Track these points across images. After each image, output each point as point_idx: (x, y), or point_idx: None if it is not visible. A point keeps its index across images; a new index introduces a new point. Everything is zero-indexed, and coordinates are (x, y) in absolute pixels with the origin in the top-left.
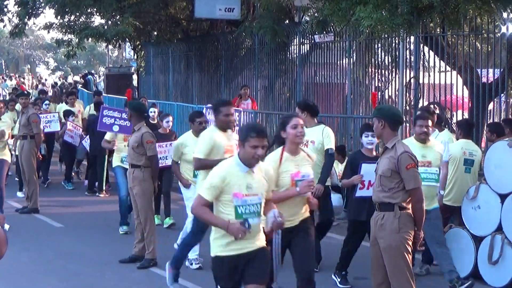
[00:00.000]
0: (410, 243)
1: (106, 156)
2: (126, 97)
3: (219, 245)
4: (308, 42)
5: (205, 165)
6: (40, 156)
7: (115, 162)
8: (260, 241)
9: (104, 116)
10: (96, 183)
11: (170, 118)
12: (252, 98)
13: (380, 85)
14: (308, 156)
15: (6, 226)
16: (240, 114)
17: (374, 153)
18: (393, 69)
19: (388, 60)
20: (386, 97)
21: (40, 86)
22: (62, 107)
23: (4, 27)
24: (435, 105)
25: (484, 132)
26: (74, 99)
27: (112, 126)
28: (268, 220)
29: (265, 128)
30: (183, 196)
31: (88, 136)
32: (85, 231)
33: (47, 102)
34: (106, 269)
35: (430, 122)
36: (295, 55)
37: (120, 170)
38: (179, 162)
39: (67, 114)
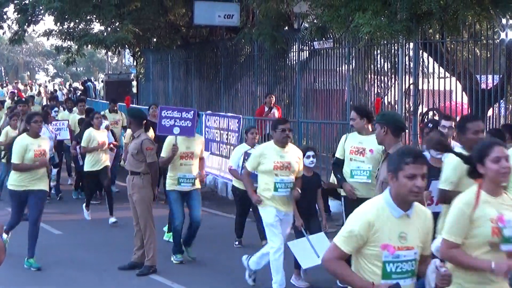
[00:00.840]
0: None
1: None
2: (125, 104)
3: None
4: (307, 48)
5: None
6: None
7: (169, 185)
8: None
9: (162, 117)
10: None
11: None
12: (278, 107)
13: (379, 91)
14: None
15: (5, 236)
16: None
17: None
18: (393, 76)
19: (387, 66)
20: (386, 103)
21: (42, 92)
22: (76, 116)
23: (3, 34)
24: (435, 111)
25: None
26: (83, 106)
27: (173, 128)
28: (429, 277)
29: None
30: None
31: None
32: (84, 238)
33: (56, 108)
34: (105, 276)
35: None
36: (294, 62)
37: (173, 194)
38: (255, 172)
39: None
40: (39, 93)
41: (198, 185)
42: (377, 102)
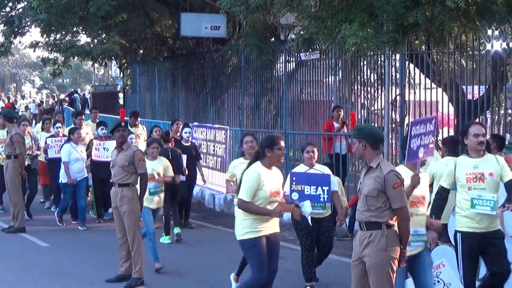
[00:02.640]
0: (396, 262)
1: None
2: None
3: None
4: (294, 60)
5: None
6: (26, 175)
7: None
8: None
9: (413, 137)
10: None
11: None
12: (344, 121)
13: (365, 102)
14: None
15: None
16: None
17: None
18: (379, 87)
19: (374, 77)
20: (369, 113)
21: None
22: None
23: None
24: None
25: None
26: (82, 120)
27: (418, 150)
28: None
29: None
30: None
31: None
32: (72, 251)
33: (58, 125)
34: None
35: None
36: (281, 73)
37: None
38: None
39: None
40: (26, 107)
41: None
42: (352, 116)
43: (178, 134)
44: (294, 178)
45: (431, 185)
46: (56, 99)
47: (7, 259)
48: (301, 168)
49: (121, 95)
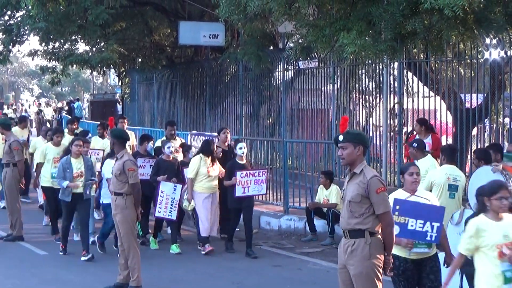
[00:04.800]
0: (381, 269)
1: None
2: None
3: None
4: (292, 68)
5: None
6: (23, 186)
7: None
8: None
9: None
10: None
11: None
12: (434, 135)
13: (364, 110)
14: None
15: None
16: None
17: None
18: (377, 95)
19: (372, 86)
20: (370, 122)
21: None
22: (98, 140)
23: None
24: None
25: (470, 157)
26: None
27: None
28: None
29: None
30: None
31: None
32: (69, 259)
33: (90, 135)
34: None
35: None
36: (279, 81)
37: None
38: None
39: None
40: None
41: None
42: (345, 121)
43: (226, 144)
44: (397, 207)
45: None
46: (55, 107)
47: (5, 267)
48: (400, 194)
49: (119, 103)
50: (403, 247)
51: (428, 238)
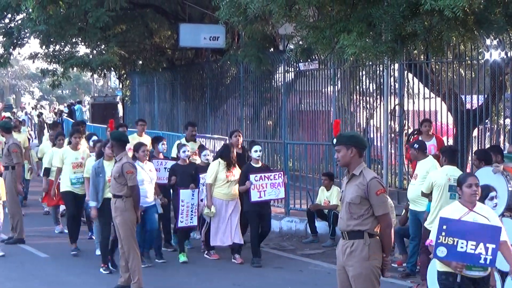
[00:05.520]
0: (379, 270)
1: None
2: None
3: None
4: (293, 70)
5: None
6: (21, 188)
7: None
8: None
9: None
10: None
11: (208, 152)
12: (438, 136)
13: (365, 112)
14: None
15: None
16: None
17: None
18: (378, 96)
19: (372, 87)
20: (371, 124)
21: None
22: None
23: None
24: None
25: (470, 158)
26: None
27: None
28: None
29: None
30: None
31: None
32: (71, 261)
33: (95, 138)
34: None
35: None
36: (280, 83)
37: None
38: None
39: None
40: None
41: None
42: (337, 124)
43: (240, 146)
44: (444, 227)
45: (430, 194)
46: (56, 110)
47: (7, 269)
48: (457, 208)
49: (120, 106)
50: (453, 269)
51: (482, 261)
